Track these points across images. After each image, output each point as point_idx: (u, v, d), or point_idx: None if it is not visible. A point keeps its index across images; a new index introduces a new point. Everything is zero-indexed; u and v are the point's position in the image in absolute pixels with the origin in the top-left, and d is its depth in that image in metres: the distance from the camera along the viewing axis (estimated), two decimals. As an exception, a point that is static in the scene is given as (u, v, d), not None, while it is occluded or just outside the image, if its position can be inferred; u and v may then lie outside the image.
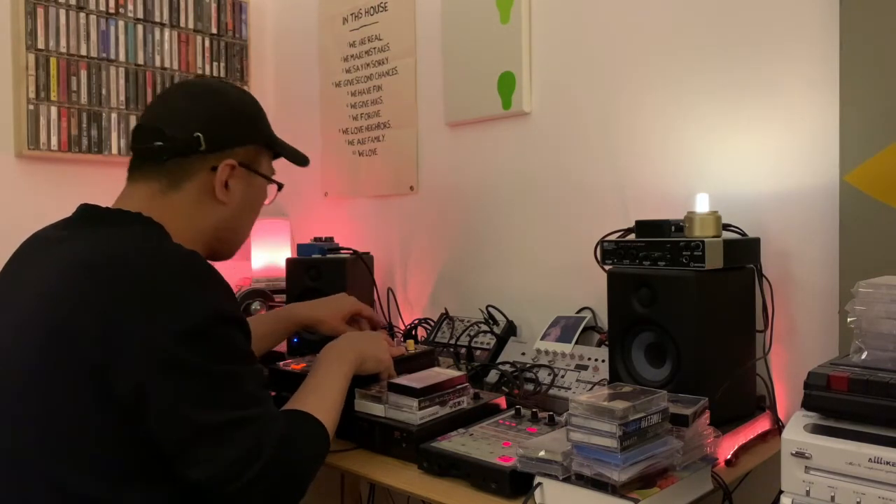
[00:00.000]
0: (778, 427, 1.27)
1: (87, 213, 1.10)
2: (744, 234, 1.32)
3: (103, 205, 1.11)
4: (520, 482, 1.01)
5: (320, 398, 1.13)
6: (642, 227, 1.31)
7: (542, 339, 1.58)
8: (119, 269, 0.95)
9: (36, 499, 0.93)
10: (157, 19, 2.21)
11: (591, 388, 1.39)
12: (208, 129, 1.11)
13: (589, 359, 1.47)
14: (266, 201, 1.27)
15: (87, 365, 0.91)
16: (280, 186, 1.28)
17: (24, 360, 0.96)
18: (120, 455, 0.94)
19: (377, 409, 1.24)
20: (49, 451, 0.93)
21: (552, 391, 1.45)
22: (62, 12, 2.01)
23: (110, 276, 0.95)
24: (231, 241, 1.22)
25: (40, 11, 1.97)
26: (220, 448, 0.93)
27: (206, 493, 0.95)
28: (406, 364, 1.39)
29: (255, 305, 2.02)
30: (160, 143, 1.09)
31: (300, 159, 1.32)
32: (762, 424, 1.26)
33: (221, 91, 1.21)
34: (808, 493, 0.84)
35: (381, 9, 2.13)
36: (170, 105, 1.16)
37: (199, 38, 2.31)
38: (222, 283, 1.01)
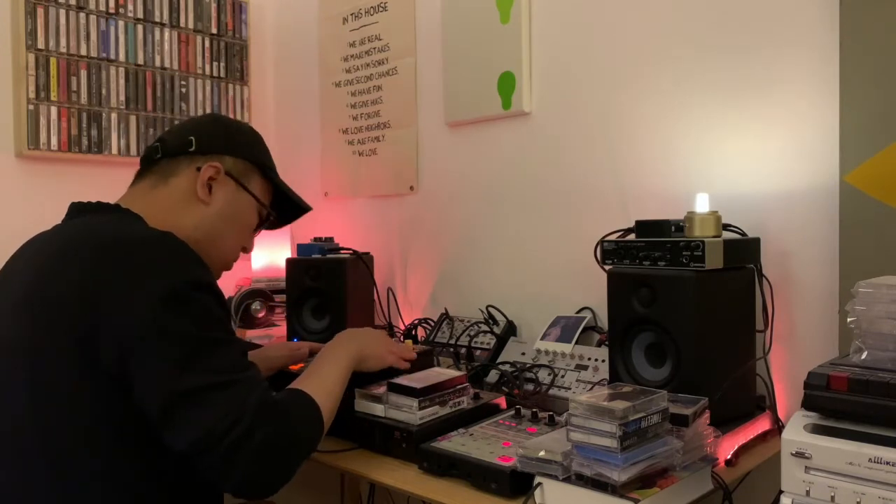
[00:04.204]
0: (778, 427, 1.27)
1: (74, 208, 1.17)
2: (744, 234, 1.32)
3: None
4: (520, 482, 1.01)
5: (318, 383, 1.12)
6: (642, 227, 1.31)
7: (542, 339, 1.58)
8: (98, 245, 1.01)
9: (33, 472, 0.97)
10: (157, 19, 2.21)
11: (591, 388, 1.39)
12: (201, 134, 1.21)
13: (589, 359, 1.48)
14: (251, 230, 1.28)
15: (73, 336, 0.95)
16: (268, 217, 1.29)
17: (17, 339, 1.00)
18: (113, 426, 0.96)
19: (377, 409, 1.24)
20: (44, 424, 0.97)
21: (552, 391, 1.45)
22: (62, 12, 2.01)
23: (90, 251, 1.00)
24: (207, 253, 1.14)
25: (40, 11, 1.97)
26: (199, 411, 0.93)
27: (194, 461, 0.94)
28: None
29: (256, 305, 2.02)
30: (157, 145, 1.20)
31: (299, 202, 1.34)
32: (762, 424, 1.26)
33: (225, 117, 1.37)
34: (808, 493, 0.84)
35: (381, 9, 2.13)
36: (179, 125, 1.29)
37: (199, 38, 2.30)
38: (198, 258, 1.04)
